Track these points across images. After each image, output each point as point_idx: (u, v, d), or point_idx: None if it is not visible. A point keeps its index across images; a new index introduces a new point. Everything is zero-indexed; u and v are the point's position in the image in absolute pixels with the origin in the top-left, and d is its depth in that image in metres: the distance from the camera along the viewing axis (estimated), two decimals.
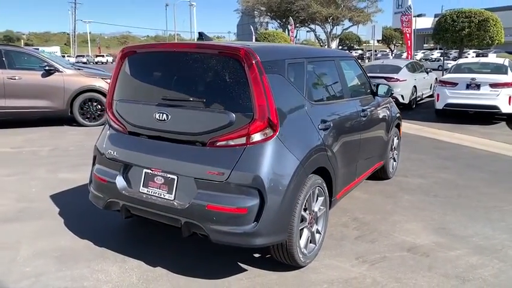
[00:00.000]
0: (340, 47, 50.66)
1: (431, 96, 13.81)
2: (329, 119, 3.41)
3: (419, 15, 49.65)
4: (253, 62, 2.74)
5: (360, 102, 4.23)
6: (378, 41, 56.80)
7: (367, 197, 4.83)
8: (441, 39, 16.28)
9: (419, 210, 4.42)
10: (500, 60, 11.05)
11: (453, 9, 15.62)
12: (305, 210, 3.05)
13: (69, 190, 4.97)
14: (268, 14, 48.19)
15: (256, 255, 3.37)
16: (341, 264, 3.24)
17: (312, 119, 3.19)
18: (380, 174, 5.26)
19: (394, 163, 5.59)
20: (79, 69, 9.94)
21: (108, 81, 9.43)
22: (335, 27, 42.34)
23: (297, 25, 44.33)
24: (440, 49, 41.26)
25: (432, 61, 35.57)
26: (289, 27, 38.59)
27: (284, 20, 46.92)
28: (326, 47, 43.45)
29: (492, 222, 4.09)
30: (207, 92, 2.90)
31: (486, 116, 10.20)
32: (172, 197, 2.92)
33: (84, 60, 51.88)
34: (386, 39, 50.74)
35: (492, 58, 14.32)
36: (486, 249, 3.52)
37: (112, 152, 3.23)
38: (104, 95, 9.26)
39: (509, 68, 10.08)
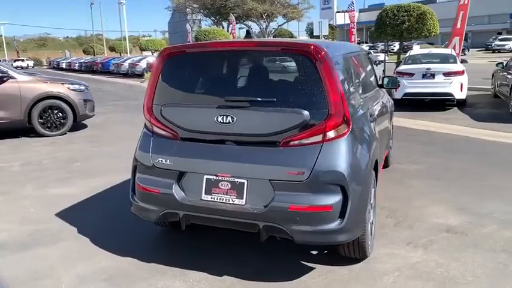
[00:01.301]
0: None
1: None
2: (372, 111, 3.50)
3: (347, 11, 52.11)
4: (326, 58, 2.73)
5: (377, 93, 4.39)
6: (311, 36, 58.72)
7: (378, 184, 5.00)
8: (382, 33, 17.19)
9: (432, 194, 4.68)
10: (447, 50, 11.95)
11: (392, 4, 16.58)
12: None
13: (72, 207, 4.58)
14: (202, 11, 47.67)
15: (314, 252, 3.37)
16: (397, 252, 3.35)
17: (365, 112, 3.25)
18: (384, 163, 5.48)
19: (391, 151, 5.85)
20: (34, 74, 9.14)
21: (71, 86, 8.82)
22: (270, 23, 43.07)
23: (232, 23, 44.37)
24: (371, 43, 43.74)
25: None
26: (231, 24, 38.50)
27: (218, 17, 46.72)
28: None
29: (501, 199, 4.44)
30: (276, 91, 2.84)
31: (440, 103, 10.98)
32: (243, 201, 2.82)
33: (25, 64, 47.64)
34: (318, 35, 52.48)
35: (440, 49, 15.41)
36: (510, 223, 3.82)
37: (163, 161, 3.04)
38: (65, 101, 8.62)
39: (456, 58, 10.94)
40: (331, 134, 2.72)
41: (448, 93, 10.22)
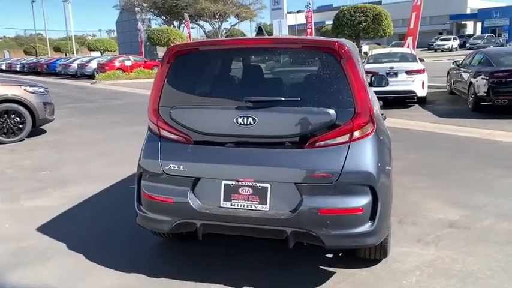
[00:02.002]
0: None
1: None
2: (380, 108, 3.47)
3: (298, 12, 52.92)
4: (351, 54, 2.64)
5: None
6: None
7: None
8: (340, 33, 17.60)
9: (422, 190, 4.76)
10: (407, 50, 12.39)
11: (349, 5, 17.02)
12: None
13: (54, 220, 4.20)
14: (152, 10, 46.46)
15: (329, 255, 3.29)
16: (410, 250, 3.35)
17: (377, 110, 3.21)
18: None
19: None
20: None
21: (29, 88, 8.18)
22: (223, 23, 42.77)
23: (184, 21, 43.64)
24: None
25: None
26: (183, 24, 37.83)
27: (169, 16, 45.76)
28: None
29: (489, 191, 4.61)
30: (299, 90, 2.71)
31: (402, 101, 11.36)
32: (267, 207, 2.67)
33: None
34: (271, 35, 52.91)
35: (399, 48, 15.94)
36: (506, 215, 3.96)
37: (175, 167, 2.82)
38: (23, 104, 7.97)
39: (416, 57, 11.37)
40: (358, 133, 2.64)
41: (411, 91, 10.59)
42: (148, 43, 37.96)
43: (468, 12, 50.33)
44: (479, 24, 51.04)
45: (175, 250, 3.52)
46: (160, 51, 55.09)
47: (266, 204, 2.68)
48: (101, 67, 25.81)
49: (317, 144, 2.64)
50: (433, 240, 3.50)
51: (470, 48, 37.92)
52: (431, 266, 3.09)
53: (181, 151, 2.85)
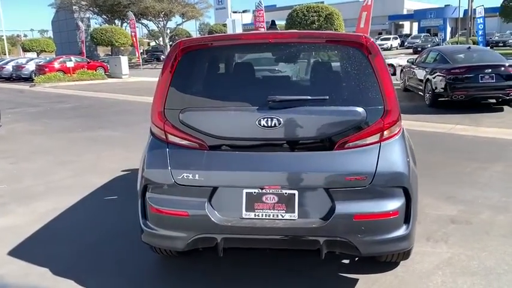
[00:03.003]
0: (170, 43, 49.86)
1: None
2: None
3: (244, 11, 52.95)
4: (378, 50, 2.50)
5: None
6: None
7: None
8: None
9: None
10: None
11: (301, 4, 17.16)
12: None
13: (26, 241, 3.70)
14: (91, 8, 44.25)
15: (345, 261, 3.14)
16: (424, 249, 3.29)
17: None
18: None
19: None
20: None
21: None
22: (168, 22, 41.55)
23: (126, 20, 41.99)
24: None
25: None
26: (126, 23, 36.32)
27: (110, 15, 43.86)
28: (161, 42, 42.50)
29: (474, 185, 4.72)
30: (327, 88, 2.52)
31: None
32: (295, 215, 2.46)
33: None
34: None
35: None
36: (499, 207, 4.05)
37: (189, 176, 2.51)
38: None
39: None
40: (387, 132, 2.50)
41: None
42: (88, 43, 36.14)
43: (405, 12, 53.11)
44: (415, 24, 54.06)
45: (174, 268, 3.20)
46: (101, 51, 52.64)
47: (294, 212, 2.47)
48: (40, 69, 24.06)
49: (347, 145, 2.47)
50: (442, 237, 3.47)
51: (408, 47, 40.12)
52: (450, 265, 3.04)
53: (195, 158, 2.55)
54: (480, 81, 9.09)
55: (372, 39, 2.54)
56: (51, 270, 3.14)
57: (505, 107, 9.57)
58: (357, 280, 2.89)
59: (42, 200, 4.73)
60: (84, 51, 32.40)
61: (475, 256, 3.15)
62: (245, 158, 2.53)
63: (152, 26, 44.01)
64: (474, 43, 22.24)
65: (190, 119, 2.56)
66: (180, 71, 2.60)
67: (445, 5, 48.36)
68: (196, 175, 2.51)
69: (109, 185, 5.20)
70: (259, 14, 19.05)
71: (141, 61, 27.60)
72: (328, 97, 2.45)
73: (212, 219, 2.47)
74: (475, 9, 26.75)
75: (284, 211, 2.48)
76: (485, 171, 5.22)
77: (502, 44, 34.64)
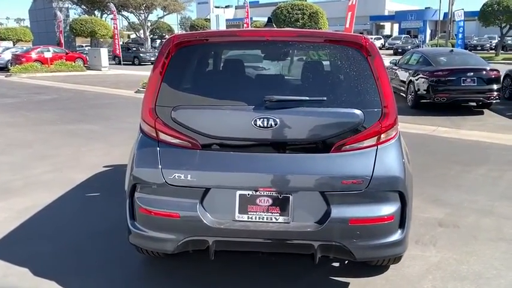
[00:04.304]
0: (151, 36, 48.96)
1: None
2: None
3: (227, 6, 52.62)
4: (377, 51, 2.46)
5: None
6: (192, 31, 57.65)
7: None
8: None
9: None
10: None
11: (287, 2, 17.12)
12: None
13: (4, 241, 3.54)
14: None
15: (335, 264, 3.11)
16: (413, 252, 3.28)
17: None
18: None
19: None
20: None
21: None
22: (149, 15, 40.76)
23: (106, 11, 41.09)
24: None
25: None
26: (106, 14, 35.50)
27: (90, 5, 42.82)
28: (142, 36, 41.78)
29: (459, 188, 4.77)
30: (324, 89, 2.46)
31: None
32: (289, 218, 2.41)
33: None
34: (199, 29, 52.10)
35: None
36: (484, 210, 4.10)
37: (181, 176, 2.42)
38: None
39: None
40: (384, 135, 2.47)
41: None
42: (66, 33, 35.17)
43: (386, 13, 53.79)
44: (396, 26, 54.83)
45: (161, 268, 3.10)
46: (80, 42, 51.39)
47: (288, 215, 2.41)
48: (17, 59, 23.29)
49: (344, 148, 2.42)
50: (430, 240, 3.48)
51: (388, 48, 40.67)
52: (440, 269, 3.04)
53: (187, 158, 2.47)
54: (462, 84, 9.25)
55: (371, 40, 2.49)
56: (31, 270, 3.00)
57: (485, 110, 9.77)
58: (348, 284, 2.86)
59: (20, 195, 4.54)
60: (63, 41, 31.54)
61: (464, 260, 3.16)
62: (239, 158, 2.45)
63: (133, 18, 43.12)
64: (453, 46, 22.67)
65: (182, 117, 2.47)
66: (172, 66, 2.50)
67: (426, 8, 49.24)
68: (189, 175, 2.42)
69: (90, 181, 5.03)
70: (246, 10, 18.90)
71: (121, 55, 27.04)
72: (325, 98, 2.40)
73: (204, 221, 2.39)
74: (454, 13, 27.32)
75: (278, 214, 2.42)
76: (469, 174, 5.29)
77: (480, 48, 35.46)
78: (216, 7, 67.93)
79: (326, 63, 2.48)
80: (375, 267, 3.00)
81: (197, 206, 2.42)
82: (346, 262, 3.12)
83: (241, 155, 2.46)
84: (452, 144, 7.03)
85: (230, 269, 3.04)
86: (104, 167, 5.54)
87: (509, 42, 35.80)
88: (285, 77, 2.55)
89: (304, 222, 2.40)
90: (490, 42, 36.79)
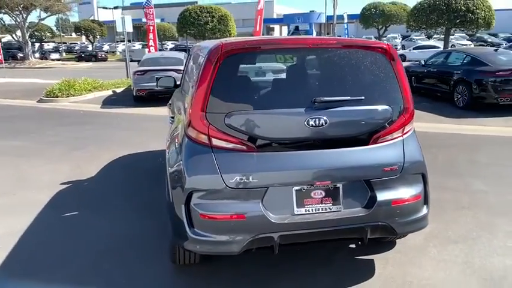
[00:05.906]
0: (30, 39, 44.36)
1: None
2: None
3: (115, 7, 50.05)
4: (398, 56, 2.86)
5: None
6: (77, 33, 53.36)
7: None
8: (185, 33, 17.59)
9: None
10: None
11: (195, 4, 17.13)
12: None
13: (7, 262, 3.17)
14: None
15: (352, 245, 3.47)
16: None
17: None
18: None
19: None
20: None
21: None
22: (28, 16, 36.84)
23: None
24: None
25: None
26: None
27: None
28: (21, 39, 37.71)
29: (459, 176, 5.33)
30: (361, 89, 2.77)
31: None
32: (340, 207, 2.69)
33: None
34: (86, 31, 48.74)
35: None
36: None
37: (243, 179, 2.54)
38: None
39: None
40: (407, 127, 2.89)
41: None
42: None
43: (275, 16, 56.54)
44: (284, 28, 57.96)
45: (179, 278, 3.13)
46: None
47: (340, 204, 2.69)
48: None
49: (380, 140, 2.79)
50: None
51: None
52: (435, 237, 3.60)
53: (245, 161, 2.59)
54: None
55: (393, 47, 2.89)
56: None
57: None
58: (372, 260, 3.24)
59: (9, 215, 4.04)
60: None
61: (449, 228, 3.77)
62: (293, 157, 2.66)
63: (7, 19, 38.54)
64: None
65: (237, 122, 2.58)
66: (221, 74, 2.59)
67: (310, 11, 52.96)
68: (250, 177, 2.55)
69: (57, 200, 4.65)
70: (149, 11, 18.34)
71: (3, 59, 24.14)
72: (364, 98, 2.73)
73: (269, 218, 2.55)
74: (338, 15, 30.11)
75: (331, 204, 2.68)
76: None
77: None
78: (103, 7, 64.17)
79: (359, 66, 2.81)
80: (385, 244, 3.43)
81: (260, 205, 2.56)
82: (359, 243, 3.49)
83: (295, 153, 2.67)
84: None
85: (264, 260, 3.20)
86: (61, 184, 5.14)
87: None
88: (326, 79, 2.81)
89: (354, 208, 2.70)
90: None
